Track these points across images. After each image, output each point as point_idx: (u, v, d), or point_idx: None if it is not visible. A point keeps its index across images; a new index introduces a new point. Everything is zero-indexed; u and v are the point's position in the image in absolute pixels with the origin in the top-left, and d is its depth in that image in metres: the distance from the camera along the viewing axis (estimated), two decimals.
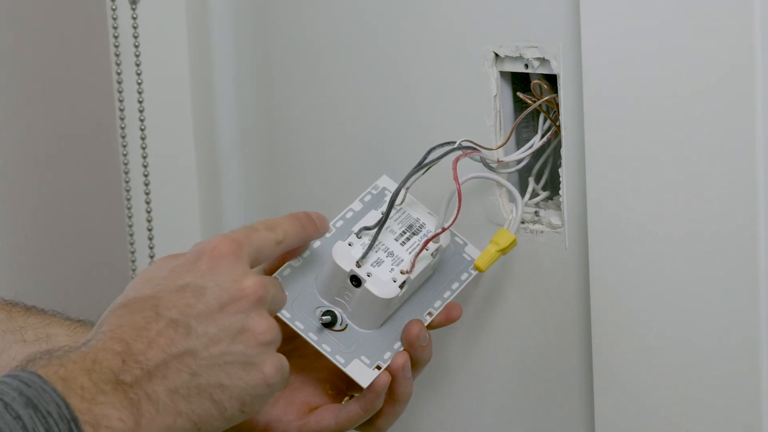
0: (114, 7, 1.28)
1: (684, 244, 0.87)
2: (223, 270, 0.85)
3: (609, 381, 0.94)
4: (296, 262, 0.98)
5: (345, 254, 0.95)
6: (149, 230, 1.33)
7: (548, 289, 1.00)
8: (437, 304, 0.99)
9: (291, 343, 0.97)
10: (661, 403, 0.91)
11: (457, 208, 0.94)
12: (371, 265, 0.95)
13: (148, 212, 1.33)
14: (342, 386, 1.00)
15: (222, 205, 1.35)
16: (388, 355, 0.96)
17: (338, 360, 0.95)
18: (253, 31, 1.27)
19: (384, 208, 0.97)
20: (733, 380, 0.86)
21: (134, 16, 1.28)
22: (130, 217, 1.33)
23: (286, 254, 0.97)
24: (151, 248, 1.33)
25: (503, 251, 0.97)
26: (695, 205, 0.86)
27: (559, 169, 0.97)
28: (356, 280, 0.95)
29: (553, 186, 1.02)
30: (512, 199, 0.99)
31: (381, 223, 0.96)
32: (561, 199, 0.98)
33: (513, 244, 0.97)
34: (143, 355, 0.81)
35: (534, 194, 1.02)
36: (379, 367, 0.95)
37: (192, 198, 1.37)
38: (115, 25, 1.28)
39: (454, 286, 1.00)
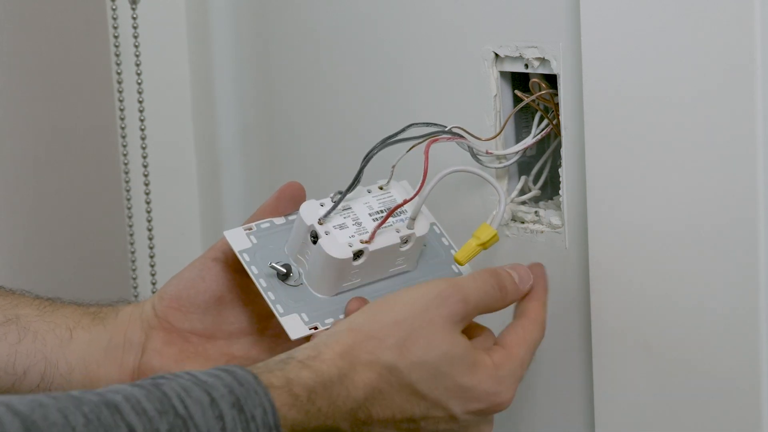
0: (114, 7, 1.28)
1: (684, 244, 0.87)
2: (488, 419, 0.88)
3: (609, 381, 0.94)
4: (279, 220, 0.98)
5: (311, 210, 0.95)
6: (149, 230, 1.33)
7: (548, 289, 1.00)
8: None
9: (269, 321, 0.98)
10: (660, 403, 0.91)
11: (421, 181, 0.93)
12: (333, 226, 0.95)
13: (148, 212, 1.33)
14: None
15: (222, 205, 1.35)
16: (329, 320, 0.95)
17: (277, 309, 0.94)
18: (253, 30, 1.27)
19: (380, 197, 0.98)
20: (733, 380, 0.86)
21: (134, 16, 1.29)
22: (130, 217, 1.33)
23: (272, 210, 0.98)
24: (151, 248, 1.33)
25: (484, 246, 0.95)
26: (695, 205, 0.86)
27: (559, 169, 0.97)
28: (314, 236, 0.95)
29: (553, 186, 1.02)
30: (496, 194, 0.98)
31: (350, 186, 0.95)
32: (561, 199, 0.98)
33: (494, 239, 0.95)
34: (378, 416, 0.84)
35: (524, 191, 1.01)
36: (315, 328, 0.94)
37: (192, 198, 1.37)
38: (115, 25, 1.28)
39: None
